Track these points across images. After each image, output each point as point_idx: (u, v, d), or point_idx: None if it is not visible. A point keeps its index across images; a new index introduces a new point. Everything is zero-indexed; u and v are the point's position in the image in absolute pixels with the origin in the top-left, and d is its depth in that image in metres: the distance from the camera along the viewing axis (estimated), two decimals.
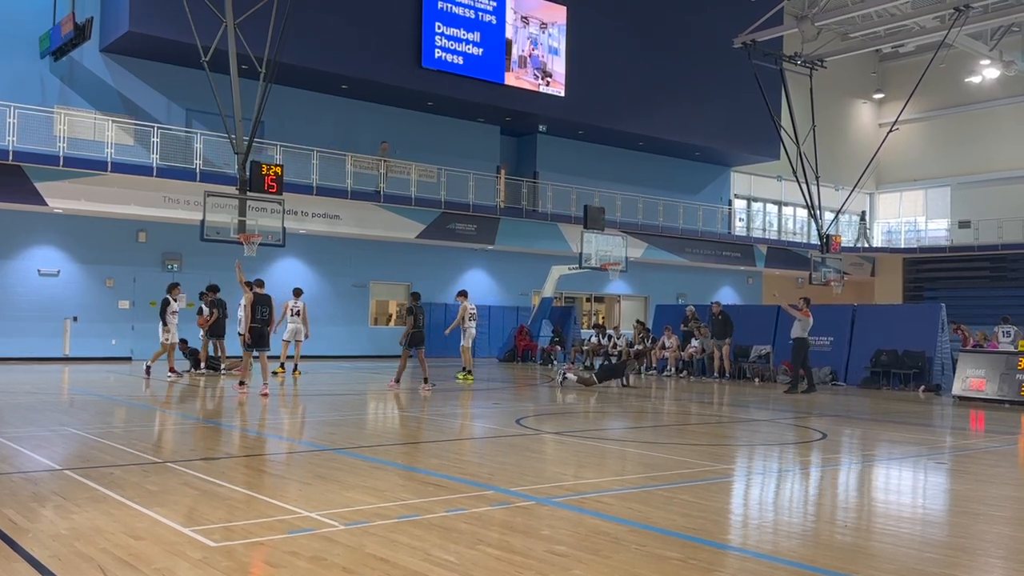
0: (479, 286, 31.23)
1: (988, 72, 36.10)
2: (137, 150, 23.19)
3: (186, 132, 24.09)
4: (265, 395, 13.89)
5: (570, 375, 18.32)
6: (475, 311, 18.88)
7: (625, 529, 5.69)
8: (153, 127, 23.30)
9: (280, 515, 5.89)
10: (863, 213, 42.01)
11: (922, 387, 18.65)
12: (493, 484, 7.12)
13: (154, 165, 22.84)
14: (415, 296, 16.92)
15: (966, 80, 37.95)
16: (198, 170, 23.34)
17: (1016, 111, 39.11)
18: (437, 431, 11.18)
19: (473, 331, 18.83)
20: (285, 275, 25.70)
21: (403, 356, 16.65)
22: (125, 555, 4.88)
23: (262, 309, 14.42)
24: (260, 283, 15.35)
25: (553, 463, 8.71)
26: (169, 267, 24.52)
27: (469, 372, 18.83)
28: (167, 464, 7.82)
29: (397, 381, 16.43)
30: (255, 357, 14.79)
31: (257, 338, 14.39)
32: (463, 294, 18.96)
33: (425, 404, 14.11)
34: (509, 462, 8.47)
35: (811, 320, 17.60)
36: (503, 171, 30.90)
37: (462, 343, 18.89)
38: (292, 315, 18.80)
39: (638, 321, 26.70)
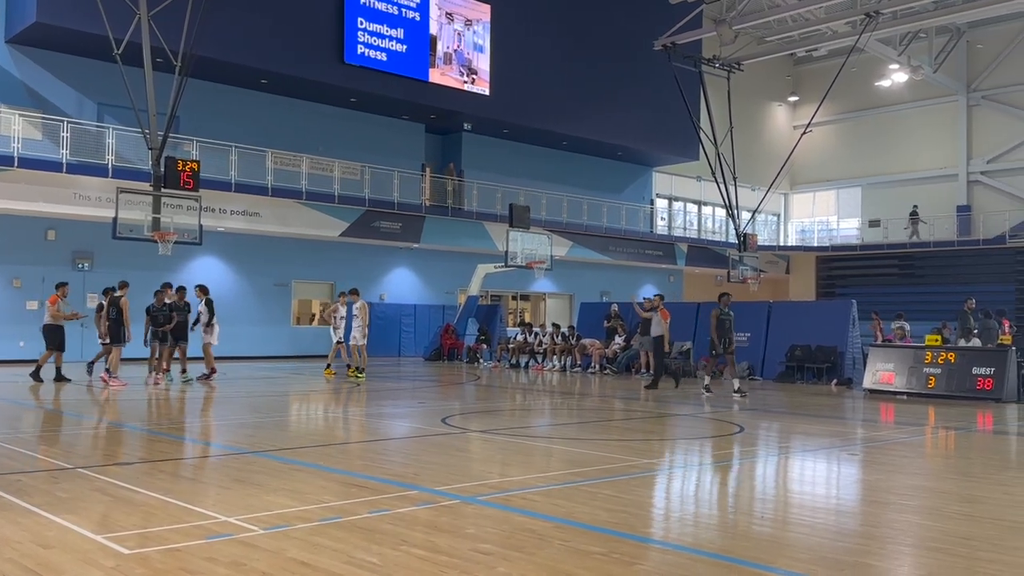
0: (404, 285, 31.03)
1: (897, 76, 37.44)
2: (46, 145, 22.30)
3: (97, 127, 23.26)
4: (104, 379, 15.80)
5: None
6: (343, 314, 19.50)
7: (550, 525, 5.72)
8: (63, 121, 22.44)
9: (197, 520, 5.74)
10: (915, 206, 38.84)
11: (834, 381, 19.24)
12: (418, 484, 7.08)
13: (64, 161, 22.00)
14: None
15: (876, 84, 39.29)
16: (110, 166, 22.57)
17: (923, 114, 40.71)
18: (361, 431, 11.06)
19: (341, 330, 19.31)
20: (203, 274, 25.03)
21: (153, 349, 17.46)
22: (33, 564, 4.70)
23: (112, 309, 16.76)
24: (124, 285, 16.66)
25: (478, 461, 8.71)
26: (80, 266, 23.67)
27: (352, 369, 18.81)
28: (78, 470, 7.55)
29: (158, 373, 16.76)
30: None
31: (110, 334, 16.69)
32: (355, 292, 19.14)
33: (343, 404, 13.94)
34: (434, 461, 8.43)
35: (665, 318, 17.75)
36: (428, 170, 30.77)
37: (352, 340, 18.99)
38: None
39: (555, 324, 26.78)
